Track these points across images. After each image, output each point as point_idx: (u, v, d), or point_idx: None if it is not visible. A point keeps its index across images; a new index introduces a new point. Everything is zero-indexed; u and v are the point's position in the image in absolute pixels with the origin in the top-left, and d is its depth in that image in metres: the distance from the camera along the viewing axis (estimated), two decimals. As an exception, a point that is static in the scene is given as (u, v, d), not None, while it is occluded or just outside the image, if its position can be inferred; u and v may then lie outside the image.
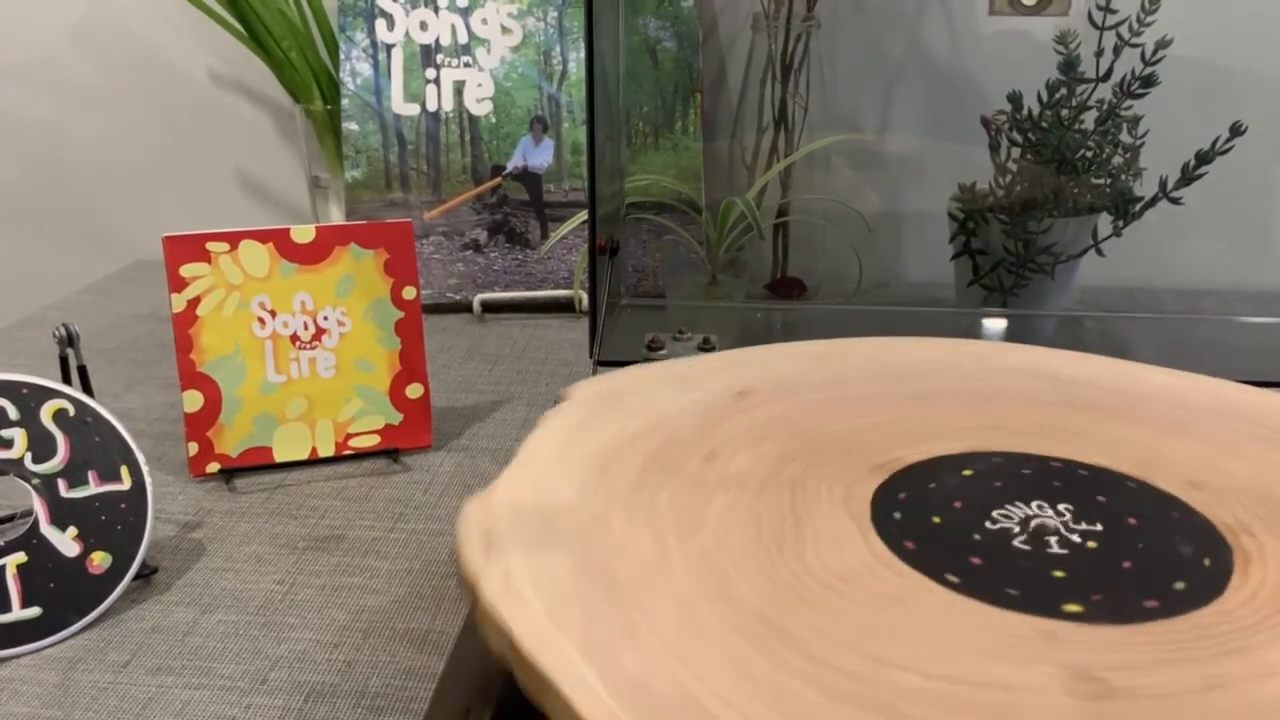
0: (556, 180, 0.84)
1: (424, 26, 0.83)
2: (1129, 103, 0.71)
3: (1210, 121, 0.71)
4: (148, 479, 0.47)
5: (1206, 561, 0.33)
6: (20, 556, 0.44)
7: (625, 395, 0.43)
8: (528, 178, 0.84)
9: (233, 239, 0.55)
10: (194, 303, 0.55)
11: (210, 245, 0.55)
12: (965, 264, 0.78)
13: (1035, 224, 0.73)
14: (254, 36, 0.86)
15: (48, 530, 0.45)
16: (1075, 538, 0.34)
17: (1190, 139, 0.71)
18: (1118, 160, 0.73)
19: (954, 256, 0.78)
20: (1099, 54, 0.71)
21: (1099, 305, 0.80)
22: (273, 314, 0.57)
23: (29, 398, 0.45)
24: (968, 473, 0.38)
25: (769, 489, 0.37)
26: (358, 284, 0.58)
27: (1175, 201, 0.72)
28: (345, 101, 0.83)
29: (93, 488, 0.46)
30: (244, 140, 1.00)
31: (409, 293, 0.59)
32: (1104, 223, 0.75)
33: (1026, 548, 0.33)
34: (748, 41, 0.82)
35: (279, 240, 0.56)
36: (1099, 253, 0.75)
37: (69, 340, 0.50)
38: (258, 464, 0.58)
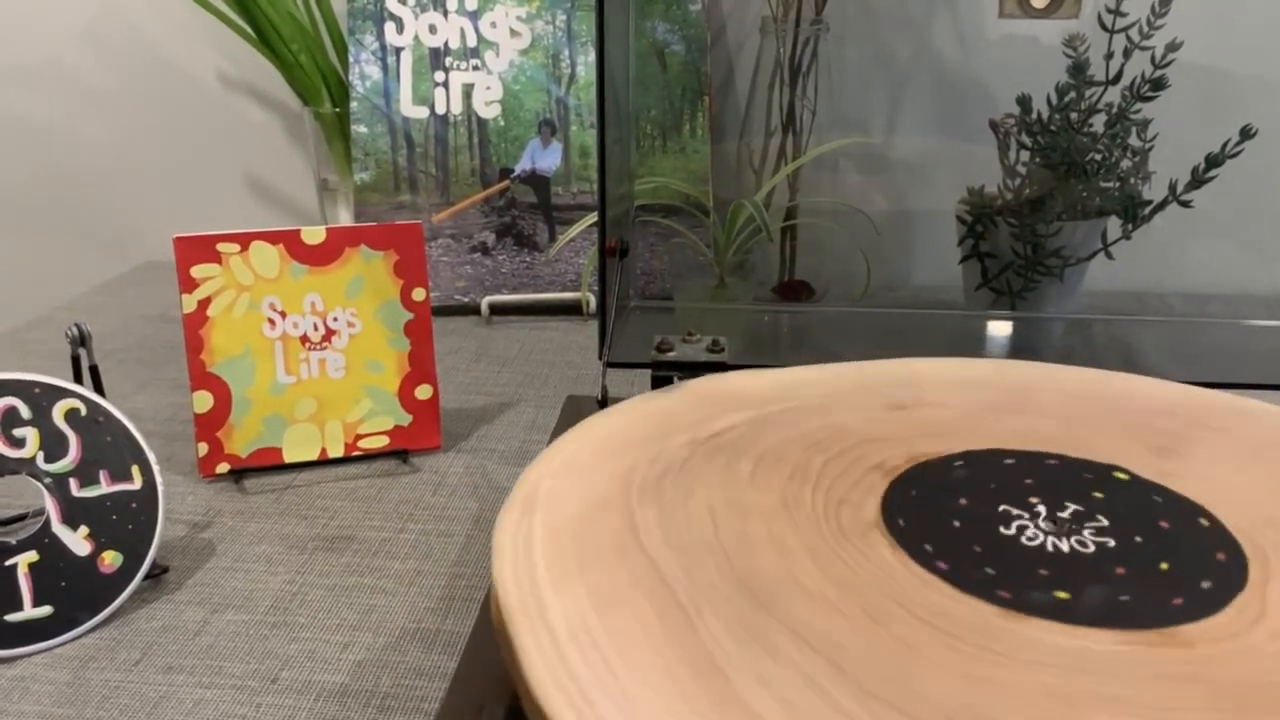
0: (564, 183, 0.84)
1: (433, 30, 0.84)
2: (1138, 106, 0.71)
3: (1220, 125, 0.71)
4: (158, 479, 0.47)
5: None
6: (32, 555, 0.44)
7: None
8: (536, 181, 0.84)
9: (243, 240, 0.56)
10: (204, 303, 0.55)
11: (221, 246, 0.55)
12: (974, 267, 0.78)
13: (1044, 227, 0.73)
14: (263, 39, 0.86)
15: (59, 529, 0.45)
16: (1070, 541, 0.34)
17: (1200, 142, 0.71)
18: (1127, 163, 0.73)
19: (962, 260, 0.78)
20: (1108, 57, 0.71)
21: (1108, 309, 0.80)
22: (283, 315, 0.57)
23: (41, 397, 0.45)
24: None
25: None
26: (367, 285, 0.58)
27: (1185, 205, 0.72)
28: (354, 104, 0.84)
29: (104, 487, 0.46)
30: (253, 143, 1.01)
31: (418, 294, 0.59)
32: (1113, 226, 0.74)
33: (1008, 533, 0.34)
34: (756, 45, 0.82)
35: (289, 241, 0.56)
36: (1108, 256, 0.75)
37: (81, 340, 0.50)
38: (267, 464, 0.58)
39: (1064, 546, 0.34)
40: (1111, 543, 0.34)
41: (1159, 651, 0.29)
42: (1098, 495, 0.37)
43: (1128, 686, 0.27)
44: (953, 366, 0.49)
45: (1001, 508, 0.36)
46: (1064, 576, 0.32)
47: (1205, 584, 0.32)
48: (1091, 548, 0.34)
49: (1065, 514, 0.36)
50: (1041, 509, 0.36)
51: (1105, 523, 0.35)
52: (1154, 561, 0.33)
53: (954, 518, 0.35)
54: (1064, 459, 0.40)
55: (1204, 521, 0.36)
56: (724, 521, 0.35)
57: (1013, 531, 0.34)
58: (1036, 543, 0.34)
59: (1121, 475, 0.39)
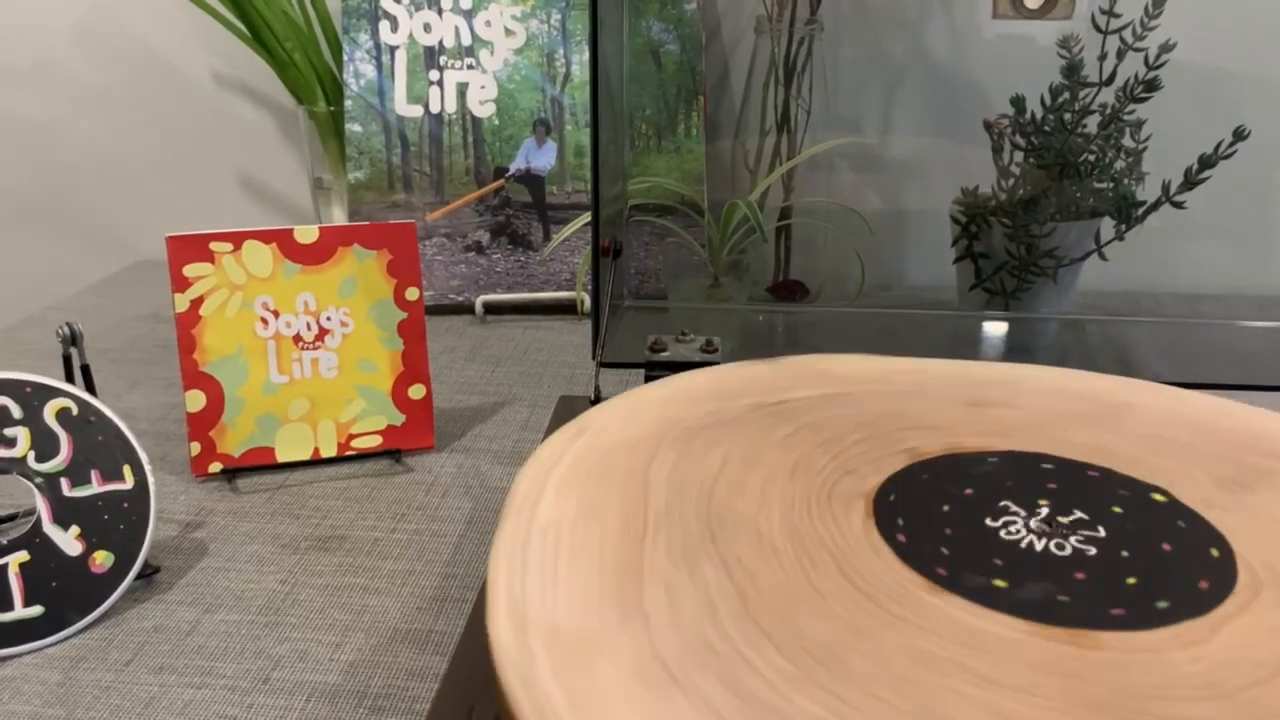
0: (559, 182, 0.84)
1: (427, 28, 0.84)
2: (1132, 107, 0.71)
3: (1213, 125, 0.71)
4: (150, 478, 0.47)
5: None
6: (23, 555, 0.44)
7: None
8: (530, 180, 0.84)
9: (236, 239, 0.55)
10: (197, 303, 0.55)
11: (214, 245, 0.55)
12: (967, 267, 0.78)
13: (1038, 227, 0.73)
14: (257, 38, 0.86)
15: (50, 529, 0.45)
16: (1078, 542, 0.34)
17: (1193, 143, 0.71)
18: (1120, 164, 0.73)
19: (956, 260, 0.78)
20: (1102, 58, 0.71)
21: (1101, 309, 0.80)
22: (275, 314, 0.57)
23: (32, 396, 0.45)
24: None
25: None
26: (361, 285, 0.58)
27: (1178, 205, 0.72)
28: (348, 103, 0.84)
29: (95, 487, 0.46)
30: (247, 141, 1.00)
31: (412, 294, 0.59)
32: (1106, 226, 0.75)
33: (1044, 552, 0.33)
34: (750, 44, 0.82)
35: (282, 241, 0.56)
36: (1101, 256, 0.75)
37: (72, 339, 0.50)
38: (260, 464, 0.58)
39: (1038, 545, 0.33)
40: (1093, 550, 0.33)
41: (1057, 647, 0.28)
42: (1116, 509, 0.36)
43: (997, 666, 0.27)
44: (1063, 376, 0.48)
45: (1002, 503, 0.36)
46: (1016, 570, 0.32)
47: (1162, 604, 0.31)
48: (1068, 551, 0.33)
49: (1065, 519, 0.35)
50: (1043, 511, 0.35)
51: (1102, 533, 0.34)
52: (1124, 574, 0.32)
53: (946, 504, 0.35)
54: (1106, 472, 0.39)
55: (1214, 552, 0.34)
56: (730, 470, 0.38)
57: (997, 524, 0.34)
58: (1012, 538, 0.34)
59: (1159, 497, 0.37)
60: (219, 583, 0.48)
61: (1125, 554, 0.33)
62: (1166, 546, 0.34)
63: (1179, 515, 0.36)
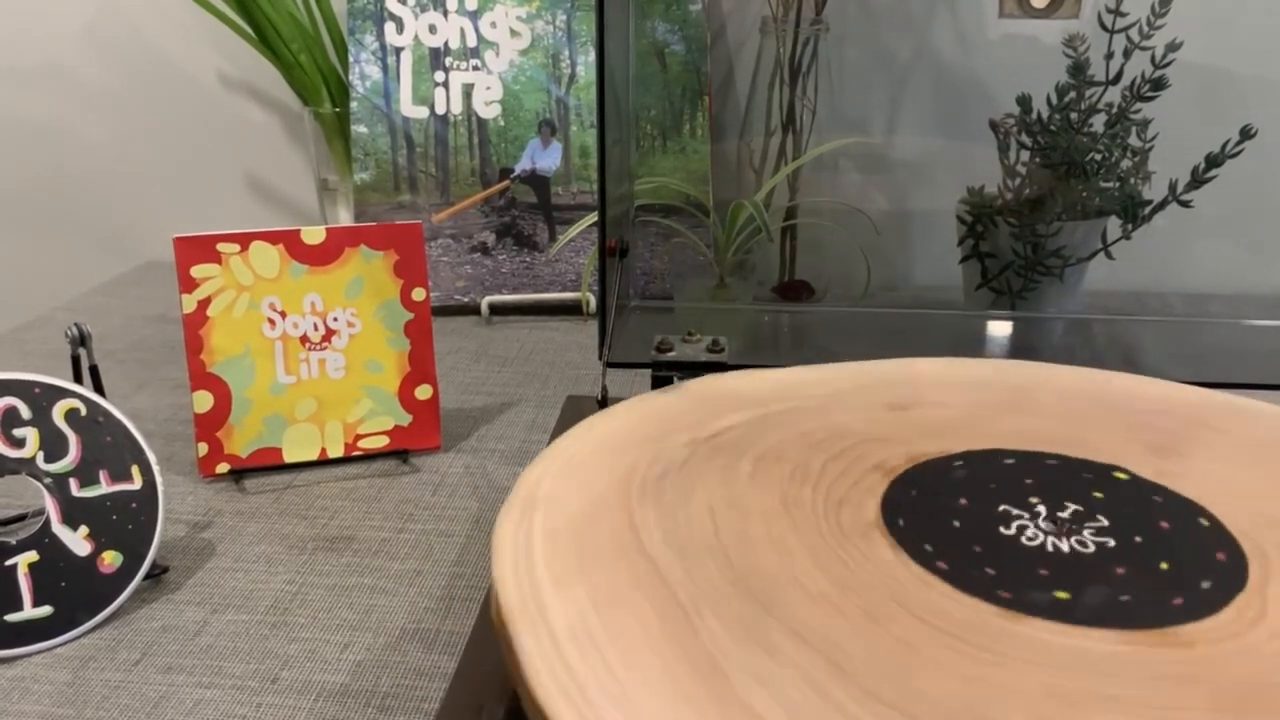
0: (564, 183, 0.84)
1: (433, 30, 0.84)
2: (1138, 106, 0.71)
3: (1220, 125, 0.70)
4: (158, 479, 0.47)
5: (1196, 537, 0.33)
6: (32, 555, 0.44)
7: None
8: (536, 181, 0.84)
9: (243, 240, 0.56)
10: (204, 303, 0.55)
11: (221, 246, 0.55)
12: (974, 267, 0.78)
13: (1044, 227, 0.73)
14: (264, 39, 0.86)
15: (59, 529, 0.45)
16: (1095, 535, 0.34)
17: (1200, 142, 0.71)
18: (1127, 163, 0.73)
19: (962, 259, 0.78)
20: (1109, 57, 0.71)
21: (1107, 308, 0.80)
22: (283, 315, 0.57)
23: (41, 397, 0.45)
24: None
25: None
26: (367, 285, 0.58)
27: (1185, 205, 0.72)
28: (354, 104, 0.84)
29: (104, 487, 0.46)
30: (253, 143, 1.01)
31: (418, 294, 0.59)
32: (1113, 226, 0.74)
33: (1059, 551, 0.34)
34: (756, 45, 0.82)
35: (289, 241, 0.56)
36: (1108, 256, 0.75)
37: (81, 340, 0.50)
38: (267, 464, 0.58)
39: (1064, 546, 0.34)
40: (1111, 542, 0.34)
41: (1159, 651, 0.29)
42: (1097, 495, 0.37)
43: (1127, 686, 0.27)
44: (953, 366, 0.49)
45: (1001, 508, 0.36)
46: (1064, 576, 0.32)
47: (1205, 584, 0.32)
48: (1091, 548, 0.34)
49: (1065, 514, 0.36)
50: (1041, 509, 0.36)
51: (1105, 522, 0.35)
52: (1154, 561, 0.33)
53: (954, 518, 0.35)
54: (1063, 459, 0.40)
55: (1204, 521, 0.36)
56: (724, 521, 0.35)
57: (1012, 531, 0.35)
58: (1036, 543, 0.34)
59: (1121, 475, 0.39)
60: (227, 583, 0.49)
61: (1139, 539, 0.34)
62: (1164, 524, 0.35)
63: (1150, 490, 0.37)
